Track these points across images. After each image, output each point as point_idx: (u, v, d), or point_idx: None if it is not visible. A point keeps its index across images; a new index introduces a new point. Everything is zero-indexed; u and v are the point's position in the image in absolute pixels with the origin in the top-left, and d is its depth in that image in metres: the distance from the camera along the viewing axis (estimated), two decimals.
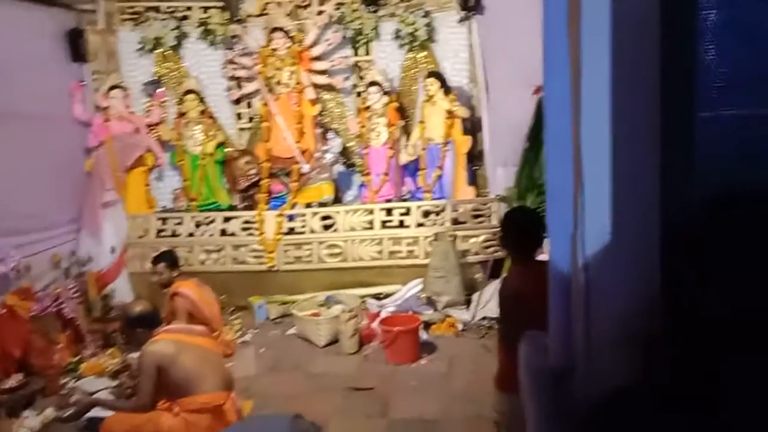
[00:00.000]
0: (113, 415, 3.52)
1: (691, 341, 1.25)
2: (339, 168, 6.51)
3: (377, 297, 5.64)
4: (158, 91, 6.46)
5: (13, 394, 3.96)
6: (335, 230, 5.99)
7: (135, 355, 3.97)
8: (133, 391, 3.91)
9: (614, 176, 1.23)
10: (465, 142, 6.10)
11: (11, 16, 5.31)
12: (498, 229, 5.41)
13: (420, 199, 6.14)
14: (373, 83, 6.17)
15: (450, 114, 6.00)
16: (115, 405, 3.66)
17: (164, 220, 6.24)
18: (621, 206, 1.26)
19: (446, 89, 6.05)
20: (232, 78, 6.52)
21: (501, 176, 6.05)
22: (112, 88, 6.27)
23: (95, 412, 3.66)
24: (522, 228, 3.15)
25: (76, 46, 6.12)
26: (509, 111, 5.75)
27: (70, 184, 6.03)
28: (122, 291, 5.91)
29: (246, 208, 6.30)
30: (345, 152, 6.48)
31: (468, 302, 5.44)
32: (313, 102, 6.33)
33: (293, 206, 6.19)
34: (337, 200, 6.38)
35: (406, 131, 6.33)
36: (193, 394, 3.49)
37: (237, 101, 6.61)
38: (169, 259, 4.89)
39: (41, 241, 5.43)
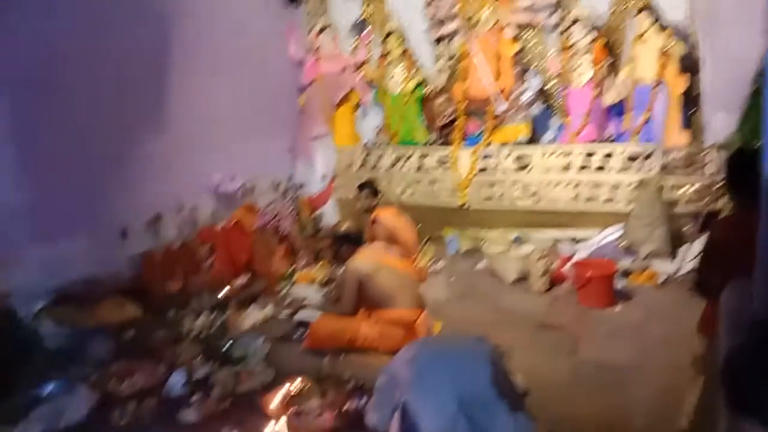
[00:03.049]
0: (320, 317, 3.98)
1: None
2: (537, 108, 6.36)
3: (571, 240, 5.51)
4: (364, 32, 6.78)
5: (240, 292, 4.60)
6: (530, 171, 5.92)
7: (340, 270, 4.39)
8: (337, 300, 4.34)
9: None
10: (680, 83, 5.58)
11: None
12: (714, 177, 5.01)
13: (625, 143, 5.79)
14: (578, 20, 5.86)
15: (664, 52, 5.51)
16: (322, 309, 4.09)
17: (367, 153, 6.67)
18: None
19: (661, 25, 5.56)
20: (434, 18, 6.59)
21: (721, 121, 5.45)
22: (323, 29, 6.70)
23: (304, 314, 4.17)
24: (744, 170, 2.88)
25: None
26: (734, 50, 5.11)
27: (287, 117, 6.64)
28: (329, 215, 6.53)
29: (442, 146, 6.46)
30: (544, 92, 6.29)
31: (673, 255, 5.10)
32: (513, 40, 6.19)
33: (488, 145, 6.22)
34: (534, 141, 6.27)
35: (612, 70, 5.95)
36: (388, 308, 3.79)
37: (437, 41, 6.69)
38: (371, 187, 5.28)
39: (263, 165, 6.11)
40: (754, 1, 4.62)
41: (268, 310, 4.56)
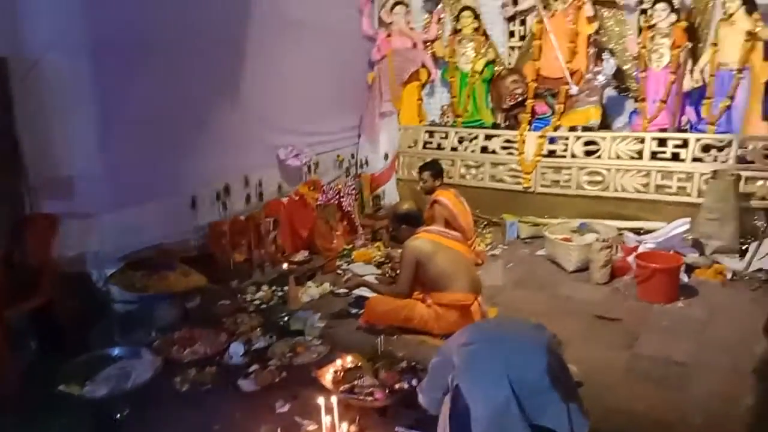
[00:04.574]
0: (376, 296, 4.04)
1: None
2: (610, 92, 6.15)
3: (636, 231, 5.35)
4: (437, 8, 6.69)
5: (300, 267, 4.70)
6: (598, 157, 5.75)
7: (397, 251, 4.42)
8: (394, 279, 4.39)
9: None
10: (765, 70, 5.26)
11: None
12: None
13: (701, 132, 5.54)
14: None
15: (751, 36, 5.19)
16: (378, 288, 4.15)
17: (431, 133, 6.65)
18: None
19: (750, 7, 5.22)
20: None
21: None
22: (396, 4, 6.63)
23: (361, 291, 4.25)
24: None
25: None
26: None
27: (354, 94, 6.63)
28: (390, 194, 6.57)
29: (508, 128, 6.36)
30: (619, 75, 6.06)
31: (743, 251, 4.88)
32: (591, 19, 5.93)
33: (556, 128, 6.07)
34: (604, 126, 6.07)
35: (693, 55, 5.66)
36: (445, 291, 3.80)
37: (511, 18, 6.53)
38: (434, 168, 5.25)
39: (328, 142, 6.15)
40: None
41: (326, 286, 4.67)
